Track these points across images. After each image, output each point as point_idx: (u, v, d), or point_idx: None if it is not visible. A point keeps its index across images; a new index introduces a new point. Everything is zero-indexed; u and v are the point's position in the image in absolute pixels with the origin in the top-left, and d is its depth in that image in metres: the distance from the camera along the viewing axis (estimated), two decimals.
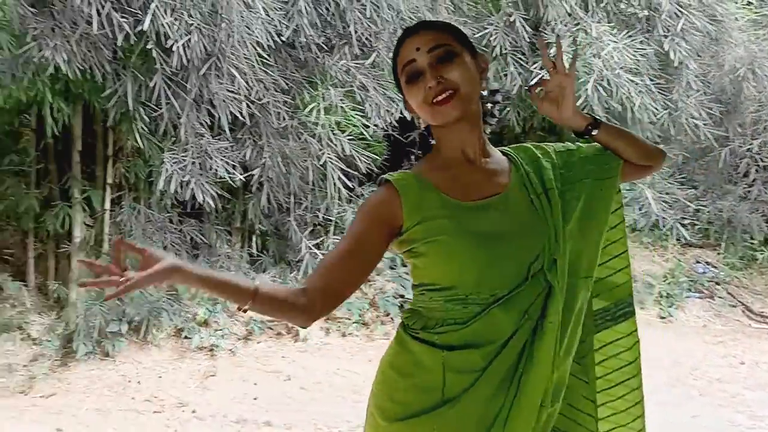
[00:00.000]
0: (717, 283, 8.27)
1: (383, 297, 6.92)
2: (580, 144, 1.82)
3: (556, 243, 1.66)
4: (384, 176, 1.70)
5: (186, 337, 6.30)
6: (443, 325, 1.63)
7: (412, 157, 8.05)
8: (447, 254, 1.62)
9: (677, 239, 8.38)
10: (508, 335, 1.61)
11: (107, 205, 6.15)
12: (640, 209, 6.89)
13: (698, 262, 8.59)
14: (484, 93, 1.73)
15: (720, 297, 8.17)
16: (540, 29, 6.41)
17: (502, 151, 1.79)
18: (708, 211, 8.49)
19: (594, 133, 1.77)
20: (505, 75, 6.38)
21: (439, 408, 1.59)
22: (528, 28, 6.22)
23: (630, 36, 6.34)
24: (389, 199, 1.64)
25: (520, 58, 6.39)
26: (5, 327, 5.99)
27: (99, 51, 4.59)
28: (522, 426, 1.61)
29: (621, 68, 6.00)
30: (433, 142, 1.76)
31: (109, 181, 6.13)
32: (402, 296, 6.98)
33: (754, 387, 6.18)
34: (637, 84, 6.18)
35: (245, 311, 1.55)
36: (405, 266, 7.23)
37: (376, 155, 7.39)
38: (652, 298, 7.91)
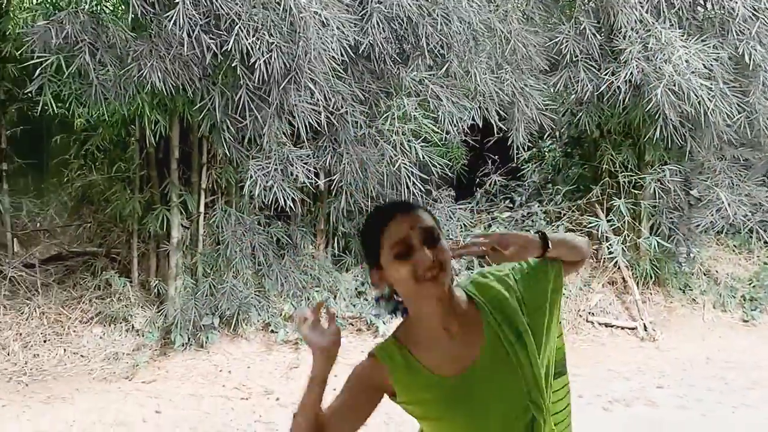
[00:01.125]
0: None
1: None
2: (529, 262, 1.92)
3: (536, 387, 1.80)
4: (371, 350, 1.86)
5: (273, 331, 6.74)
6: None
7: (489, 161, 8.29)
8: (443, 429, 1.82)
9: (765, 242, 8.26)
10: None
11: (201, 209, 6.66)
12: (717, 211, 6.87)
13: None
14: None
15: None
16: (612, 36, 6.53)
17: (465, 292, 1.87)
18: None
19: (548, 253, 1.88)
20: (577, 82, 6.53)
21: None
22: (599, 36, 6.36)
23: (703, 41, 6.37)
24: (378, 373, 1.80)
25: (591, 65, 6.53)
26: (112, 319, 6.58)
27: (190, 69, 5.08)
28: None
29: (692, 73, 6.05)
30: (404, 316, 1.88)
31: (203, 186, 6.64)
32: None
33: None
34: (710, 88, 6.21)
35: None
36: (481, 266, 7.46)
37: (455, 160, 7.69)
38: (735, 302, 7.83)
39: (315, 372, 1.78)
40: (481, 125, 6.54)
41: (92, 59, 5.00)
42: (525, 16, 6.39)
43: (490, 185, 8.17)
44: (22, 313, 6.54)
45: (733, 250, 8.53)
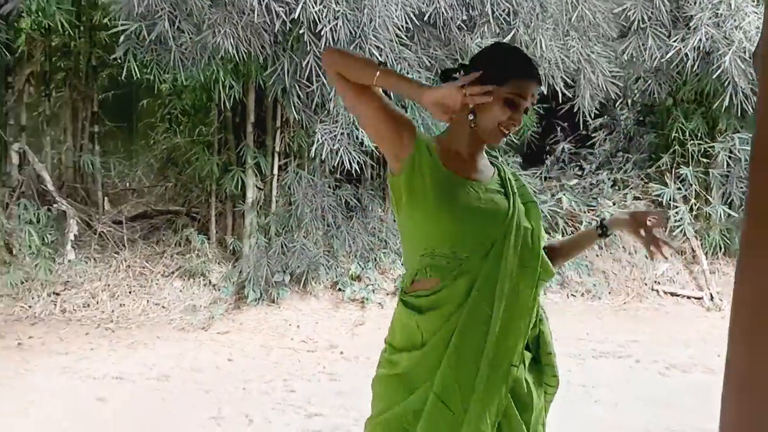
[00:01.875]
0: None
1: None
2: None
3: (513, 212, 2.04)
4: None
5: (340, 290, 7.04)
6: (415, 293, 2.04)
7: (558, 128, 8.31)
8: (425, 214, 1.99)
9: None
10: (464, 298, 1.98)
11: (275, 171, 6.98)
12: None
13: None
14: None
15: None
16: (682, 2, 6.45)
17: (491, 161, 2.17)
18: None
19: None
20: (645, 49, 6.50)
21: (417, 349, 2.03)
22: (668, 2, 6.30)
23: None
24: (411, 130, 2.02)
25: (660, 32, 6.47)
26: (191, 273, 7.01)
27: (261, 36, 5.35)
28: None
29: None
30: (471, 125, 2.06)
31: (277, 149, 6.95)
32: None
33: None
34: None
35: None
36: (547, 232, 7.55)
37: (523, 127, 7.75)
38: None
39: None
40: (550, 93, 6.59)
41: (171, 27, 5.33)
42: None
43: (559, 152, 8.20)
44: (110, 266, 7.04)
45: None
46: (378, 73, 1.90)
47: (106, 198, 7.97)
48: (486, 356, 1.96)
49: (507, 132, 1.98)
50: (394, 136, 1.99)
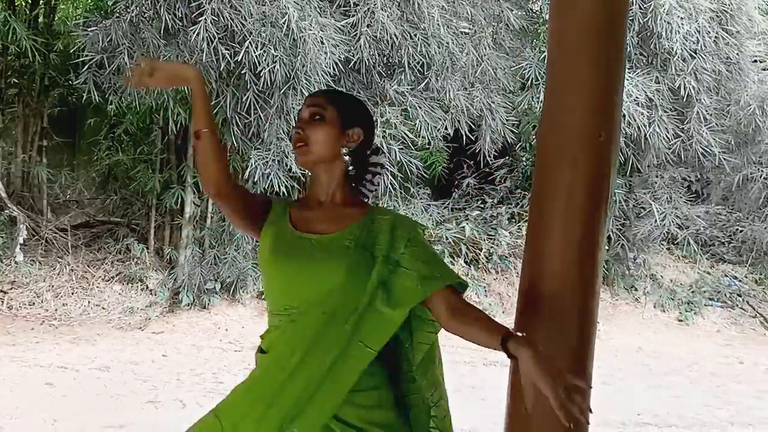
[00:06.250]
0: (739, 295, 9.13)
1: None
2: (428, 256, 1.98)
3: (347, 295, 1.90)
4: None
5: (265, 299, 7.79)
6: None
7: (464, 166, 9.36)
8: (264, 269, 2.03)
9: (712, 255, 9.30)
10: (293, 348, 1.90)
11: None
12: (655, 222, 7.94)
13: (726, 275, 9.46)
14: (346, 157, 2.01)
15: (741, 308, 9.04)
16: None
17: (375, 209, 2.06)
18: (742, 232, 9.34)
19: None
20: (539, 101, 7.60)
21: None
22: None
23: (649, 73, 7.44)
24: (267, 202, 2.08)
25: None
26: (130, 279, 7.72)
27: (208, 72, 6.21)
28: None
29: (632, 100, 7.12)
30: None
31: None
32: None
33: (742, 381, 7.04)
34: (649, 114, 7.28)
35: (198, 136, 1.95)
36: (452, 256, 8.57)
37: (436, 163, 8.78)
38: (674, 303, 8.89)
39: (192, 92, 1.98)
40: (461, 134, 7.59)
41: (129, 59, 6.13)
42: (496, 43, 7.45)
43: (464, 187, 9.26)
44: (54, 269, 7.69)
45: (680, 259, 9.58)
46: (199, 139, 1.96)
47: (50, 207, 8.59)
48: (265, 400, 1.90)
49: (295, 147, 2.00)
50: (257, 218, 2.05)
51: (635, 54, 7.45)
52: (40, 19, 8.47)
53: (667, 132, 7.38)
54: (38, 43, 7.46)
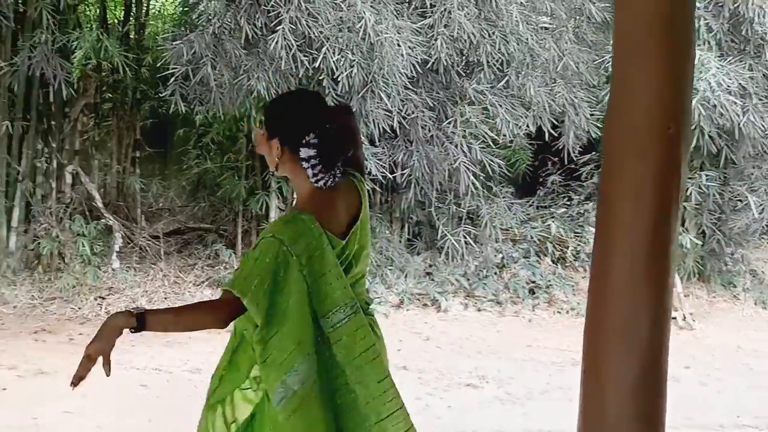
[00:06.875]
0: None
1: (515, 281, 8.09)
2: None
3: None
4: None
5: None
6: None
7: (549, 163, 9.21)
8: None
9: None
10: None
11: (294, 195, 7.90)
12: (753, 215, 7.61)
13: None
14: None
15: None
16: None
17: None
18: None
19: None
20: None
21: None
22: None
23: (741, 60, 7.14)
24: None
25: None
26: (219, 283, 7.89)
27: (287, 80, 6.33)
28: None
29: (724, 90, 6.84)
30: None
31: None
32: (533, 282, 8.17)
33: None
34: (743, 104, 6.99)
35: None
36: (537, 255, 8.45)
37: (520, 161, 8.68)
38: None
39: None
40: (544, 132, 7.47)
41: (212, 70, 6.31)
42: (577, 37, 7.31)
43: (549, 184, 9.10)
44: (147, 275, 7.98)
45: None
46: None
47: (143, 215, 8.93)
48: None
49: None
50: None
51: (726, 41, 7.17)
52: (131, 35, 8.83)
53: (763, 121, 7.06)
54: (129, 58, 7.75)
